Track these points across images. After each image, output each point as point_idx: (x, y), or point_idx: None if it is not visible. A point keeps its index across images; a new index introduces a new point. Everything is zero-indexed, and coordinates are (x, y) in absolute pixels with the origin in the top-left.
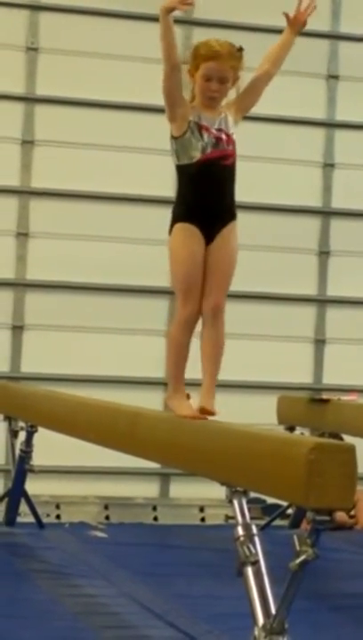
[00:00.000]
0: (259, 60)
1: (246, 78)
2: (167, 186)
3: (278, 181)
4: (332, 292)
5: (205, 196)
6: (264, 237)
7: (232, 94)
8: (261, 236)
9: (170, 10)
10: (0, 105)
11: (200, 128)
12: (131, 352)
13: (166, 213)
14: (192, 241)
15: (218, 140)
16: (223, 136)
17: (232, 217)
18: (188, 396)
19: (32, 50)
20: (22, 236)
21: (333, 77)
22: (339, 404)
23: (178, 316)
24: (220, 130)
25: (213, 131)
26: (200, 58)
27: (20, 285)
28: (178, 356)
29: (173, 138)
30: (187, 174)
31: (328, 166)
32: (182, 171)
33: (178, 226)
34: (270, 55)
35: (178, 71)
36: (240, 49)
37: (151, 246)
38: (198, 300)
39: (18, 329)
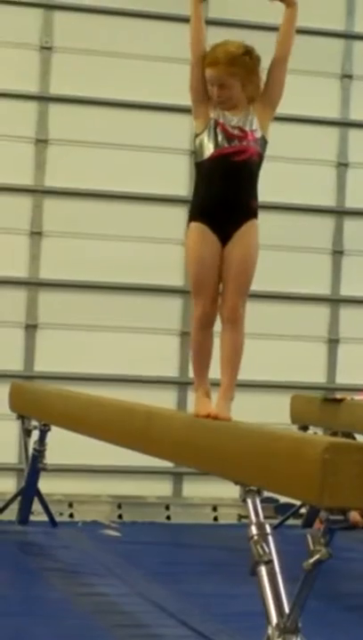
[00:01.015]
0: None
1: None
2: (181, 185)
3: (292, 181)
4: (345, 291)
5: (216, 193)
6: (278, 237)
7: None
8: (274, 236)
9: None
10: (14, 104)
11: (217, 125)
12: (144, 351)
13: (180, 212)
14: (203, 241)
15: (231, 136)
16: (237, 132)
17: (250, 215)
18: (207, 394)
19: (46, 49)
20: (36, 235)
21: (347, 77)
22: (352, 403)
23: (193, 315)
24: (236, 127)
25: (228, 128)
26: (204, 63)
27: (33, 284)
28: (196, 354)
29: (196, 135)
30: (201, 171)
31: (342, 166)
32: (198, 168)
33: (191, 225)
34: (277, 40)
35: (198, 66)
36: (247, 52)
37: (165, 245)
38: (211, 300)
39: (31, 328)
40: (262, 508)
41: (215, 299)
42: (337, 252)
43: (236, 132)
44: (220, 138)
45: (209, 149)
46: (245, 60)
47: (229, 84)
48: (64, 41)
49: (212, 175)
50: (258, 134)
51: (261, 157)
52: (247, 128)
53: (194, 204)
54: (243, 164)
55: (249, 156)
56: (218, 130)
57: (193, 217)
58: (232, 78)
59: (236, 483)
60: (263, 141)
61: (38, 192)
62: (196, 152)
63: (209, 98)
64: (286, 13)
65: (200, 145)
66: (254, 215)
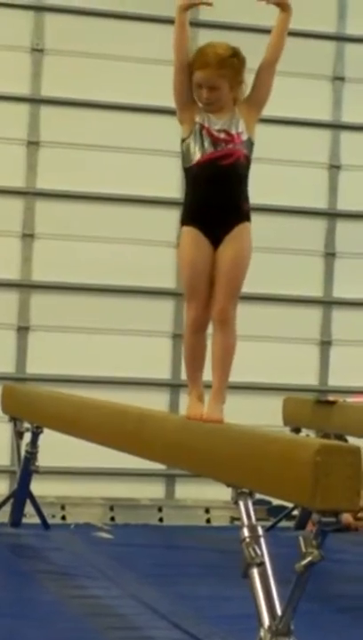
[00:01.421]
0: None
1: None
2: (173, 187)
3: (284, 183)
4: (338, 293)
5: (206, 198)
6: (270, 239)
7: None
8: (266, 238)
9: (186, 7)
10: (5, 106)
11: (202, 129)
12: (136, 353)
13: (172, 215)
14: (194, 245)
15: (217, 140)
16: (223, 136)
17: (241, 218)
18: (200, 397)
19: (37, 51)
20: (28, 237)
21: (339, 79)
22: (345, 405)
23: (185, 319)
24: (222, 130)
25: (214, 132)
26: (192, 66)
27: (25, 286)
28: (189, 357)
29: (182, 140)
30: (189, 176)
31: (334, 168)
32: (186, 173)
33: (183, 230)
34: (268, 43)
35: (182, 72)
36: (235, 54)
37: (157, 247)
38: (203, 304)
39: (23, 330)
40: (255, 511)
41: (208, 302)
42: (329, 255)
43: (222, 135)
44: (206, 142)
45: (196, 154)
46: (233, 61)
47: (218, 86)
48: (55, 43)
49: (200, 180)
50: (244, 136)
51: (248, 159)
52: (233, 131)
53: (185, 209)
54: (231, 168)
55: (236, 159)
56: (204, 134)
57: (185, 221)
58: (222, 80)
59: (228, 485)
60: (250, 143)
61: (30, 194)
62: (183, 157)
63: (193, 102)
64: (280, 17)
65: (187, 150)
66: (246, 218)
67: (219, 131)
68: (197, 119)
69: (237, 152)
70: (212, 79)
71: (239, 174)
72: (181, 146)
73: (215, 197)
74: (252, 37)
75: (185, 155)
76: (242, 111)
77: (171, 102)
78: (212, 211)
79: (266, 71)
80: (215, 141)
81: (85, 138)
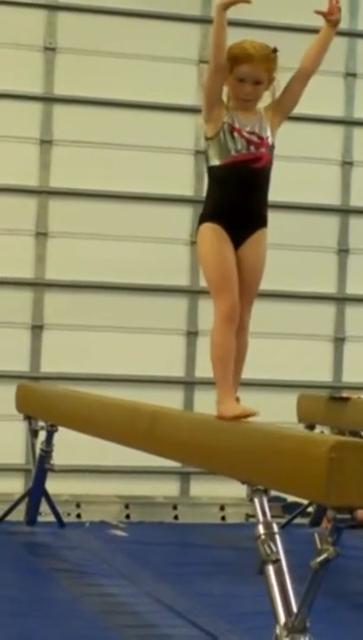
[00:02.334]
0: (291, 61)
1: (281, 80)
2: (186, 185)
3: (297, 180)
4: (351, 289)
5: (234, 199)
6: (283, 236)
7: (268, 97)
8: (279, 235)
9: (226, 6)
10: (18, 105)
11: (232, 130)
12: (150, 351)
13: (186, 212)
14: (222, 239)
15: (249, 142)
16: (255, 139)
17: (262, 223)
18: (237, 400)
19: (50, 50)
20: (41, 235)
21: (351, 75)
22: (359, 401)
23: (217, 314)
24: (252, 132)
25: (245, 133)
26: (234, 60)
27: (39, 285)
28: (226, 353)
29: (207, 139)
30: (216, 176)
31: (347, 164)
32: (213, 172)
33: (205, 226)
34: (307, 53)
35: (222, 72)
36: (275, 50)
37: (170, 245)
38: (236, 294)
39: (37, 328)
40: (270, 508)
41: (238, 294)
42: (342, 251)
43: (253, 137)
44: (238, 144)
45: (225, 155)
46: (275, 57)
47: (262, 80)
48: (68, 41)
49: (230, 181)
50: (270, 141)
51: (272, 165)
52: (263, 134)
53: (208, 208)
54: (261, 171)
55: (265, 164)
56: (235, 135)
57: (207, 218)
58: (265, 74)
59: (242, 482)
60: (273, 148)
61: (43, 193)
62: (207, 156)
63: (221, 101)
64: (326, 32)
65: (214, 149)
66: (264, 224)
67: (250, 133)
68: (226, 119)
69: (266, 156)
70: (257, 72)
71: (267, 179)
72: (205, 144)
73: (244, 200)
74: (278, 36)
75: (210, 154)
76: (267, 115)
77: (184, 100)
78: (238, 213)
79: (299, 81)
80: (247, 143)
81: (98, 136)
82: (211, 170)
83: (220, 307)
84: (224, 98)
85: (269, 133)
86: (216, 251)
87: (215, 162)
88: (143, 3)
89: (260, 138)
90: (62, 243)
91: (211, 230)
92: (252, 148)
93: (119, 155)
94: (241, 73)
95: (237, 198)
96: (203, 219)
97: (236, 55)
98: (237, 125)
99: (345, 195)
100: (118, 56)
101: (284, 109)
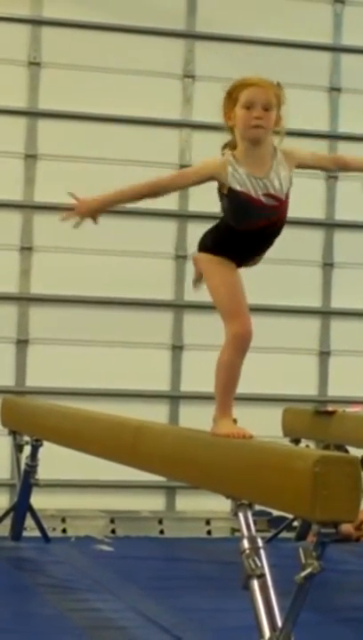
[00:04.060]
0: (268, 74)
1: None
2: (171, 199)
3: None
4: (336, 303)
5: (244, 247)
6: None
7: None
8: None
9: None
10: (3, 119)
11: (248, 200)
12: (135, 365)
13: (171, 226)
14: (229, 270)
15: (263, 209)
16: (272, 202)
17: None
18: (235, 421)
19: (34, 64)
20: (26, 250)
21: (335, 90)
22: (344, 415)
23: (228, 335)
24: (268, 194)
25: (262, 197)
26: (239, 88)
27: (24, 299)
28: (227, 382)
29: (218, 190)
30: (228, 226)
31: (332, 178)
32: (225, 221)
33: (211, 259)
34: (358, 163)
35: (167, 186)
36: (279, 84)
37: (156, 259)
38: (246, 314)
39: (22, 343)
40: (256, 522)
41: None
42: (327, 265)
43: (270, 201)
44: (253, 214)
45: (238, 221)
46: (281, 88)
47: (272, 106)
48: (52, 56)
49: (241, 237)
50: (288, 191)
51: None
52: (280, 193)
53: (216, 241)
54: (276, 228)
55: (282, 221)
56: (249, 206)
57: (213, 251)
58: (274, 100)
59: (227, 497)
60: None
61: (28, 207)
62: (222, 207)
63: (217, 169)
64: None
65: (227, 209)
66: None
67: (266, 195)
68: (235, 185)
69: (283, 214)
70: (266, 96)
71: (281, 228)
72: (219, 195)
73: (256, 250)
74: (249, 48)
75: (224, 208)
76: (287, 160)
77: (168, 114)
78: (246, 254)
79: (333, 166)
80: (262, 211)
81: (83, 150)
82: (223, 219)
83: (232, 329)
84: (226, 152)
85: (287, 186)
86: (229, 279)
87: (229, 220)
88: (127, 18)
89: (278, 200)
90: (47, 257)
91: (219, 265)
92: (268, 214)
93: (104, 169)
94: (248, 97)
95: (247, 246)
96: (208, 248)
97: (242, 83)
98: (251, 192)
99: (330, 209)
100: (103, 71)
101: (301, 166)
